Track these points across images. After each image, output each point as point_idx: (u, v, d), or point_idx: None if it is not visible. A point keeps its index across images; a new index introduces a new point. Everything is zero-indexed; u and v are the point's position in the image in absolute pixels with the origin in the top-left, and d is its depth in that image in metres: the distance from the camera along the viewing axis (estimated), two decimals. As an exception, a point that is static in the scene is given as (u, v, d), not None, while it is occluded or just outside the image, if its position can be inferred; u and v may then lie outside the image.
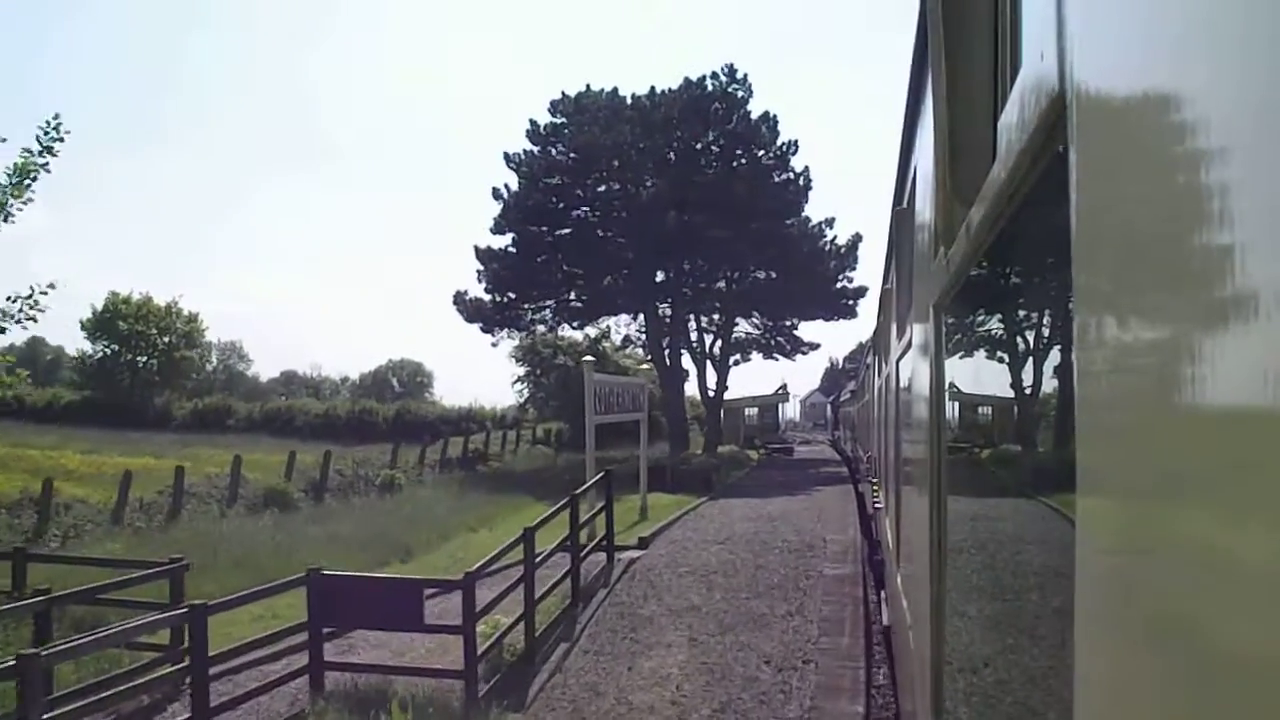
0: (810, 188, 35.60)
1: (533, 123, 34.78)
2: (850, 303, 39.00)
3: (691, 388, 43.63)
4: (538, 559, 11.94)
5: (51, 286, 13.80)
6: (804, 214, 36.33)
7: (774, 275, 36.36)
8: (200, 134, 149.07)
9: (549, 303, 37.21)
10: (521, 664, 10.75)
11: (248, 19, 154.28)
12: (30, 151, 13.28)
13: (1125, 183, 0.81)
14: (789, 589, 13.11)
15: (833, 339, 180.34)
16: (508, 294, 35.33)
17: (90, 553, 15.68)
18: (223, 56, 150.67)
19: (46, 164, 13.38)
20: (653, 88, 34.65)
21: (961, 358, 2.41)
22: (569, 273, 36.18)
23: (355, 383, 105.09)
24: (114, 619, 10.88)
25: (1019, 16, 1.67)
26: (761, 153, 35.37)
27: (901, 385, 5.04)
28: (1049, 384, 1.38)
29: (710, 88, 34.43)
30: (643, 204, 35.25)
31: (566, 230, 35.78)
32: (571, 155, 34.21)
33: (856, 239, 36.85)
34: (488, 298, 35.36)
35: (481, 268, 34.62)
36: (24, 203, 13.38)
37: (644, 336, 39.14)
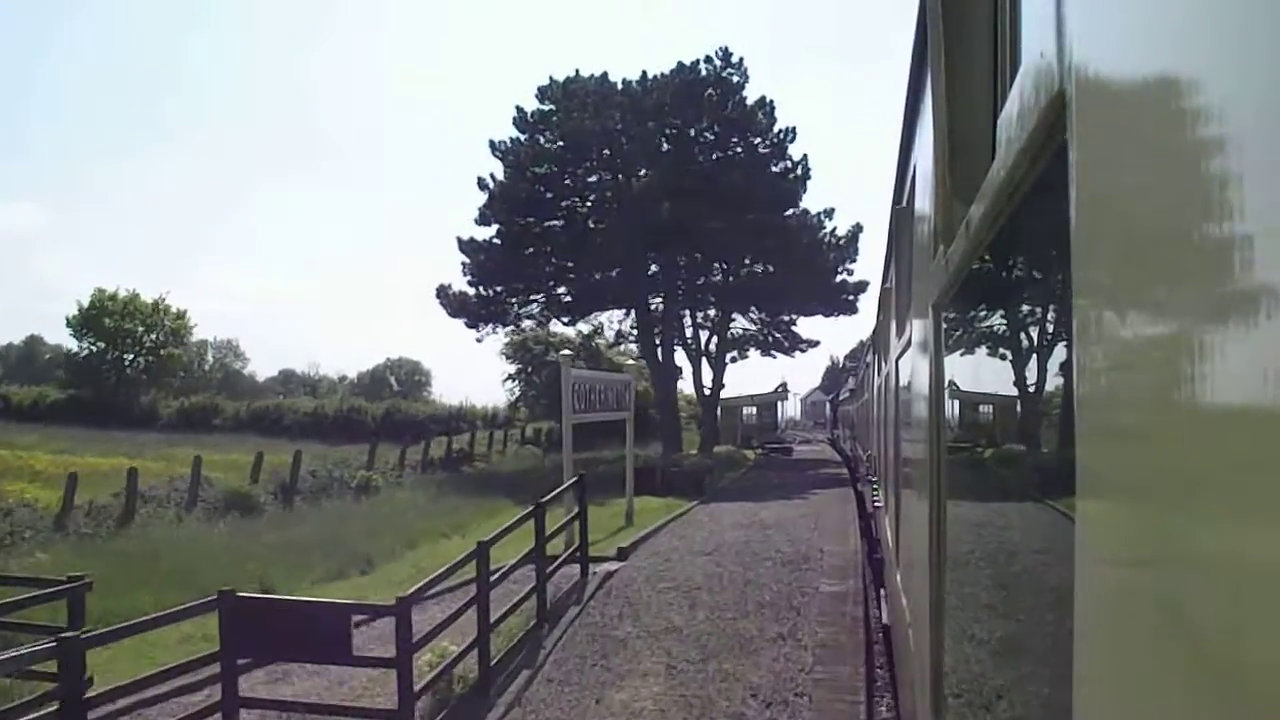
0: (809, 177, 34.17)
1: (519, 110, 33.35)
2: (850, 298, 37.58)
3: (688, 386, 42.34)
4: (497, 575, 10.62)
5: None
6: (802, 204, 34.95)
7: (771, 268, 34.91)
8: (199, 134, 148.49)
9: (537, 297, 35.72)
10: (474, 696, 9.42)
11: (245, 18, 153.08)
12: None
13: (1125, 180, 0.81)
14: (781, 608, 11.72)
15: (833, 336, 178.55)
16: (493, 287, 33.84)
17: (15, 564, 14.34)
18: (221, 56, 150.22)
19: None
20: (644, 73, 33.30)
21: (961, 356, 2.40)
22: (558, 266, 34.75)
23: (353, 382, 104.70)
24: (23, 641, 9.57)
25: (1018, 14, 1.67)
26: (758, 140, 33.89)
27: (901, 384, 5.00)
28: (1049, 382, 1.38)
29: (704, 72, 32.94)
30: (634, 194, 33.82)
31: (554, 221, 34.31)
32: (559, 143, 32.68)
33: (857, 230, 35.43)
34: (472, 291, 33.85)
35: (466, 260, 33.11)
36: None
37: (636, 332, 37.74)
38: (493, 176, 33.12)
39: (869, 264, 42.84)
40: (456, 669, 9.44)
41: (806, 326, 46.63)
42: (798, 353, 42.05)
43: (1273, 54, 0.51)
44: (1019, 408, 1.72)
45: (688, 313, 39.56)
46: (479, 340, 35.28)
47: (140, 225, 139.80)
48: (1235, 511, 0.58)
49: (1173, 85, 0.68)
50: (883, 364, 8.62)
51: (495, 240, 33.18)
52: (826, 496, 23.93)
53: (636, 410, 43.14)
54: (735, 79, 33.09)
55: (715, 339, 40.29)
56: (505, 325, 35.60)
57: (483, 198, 33.08)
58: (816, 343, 42.37)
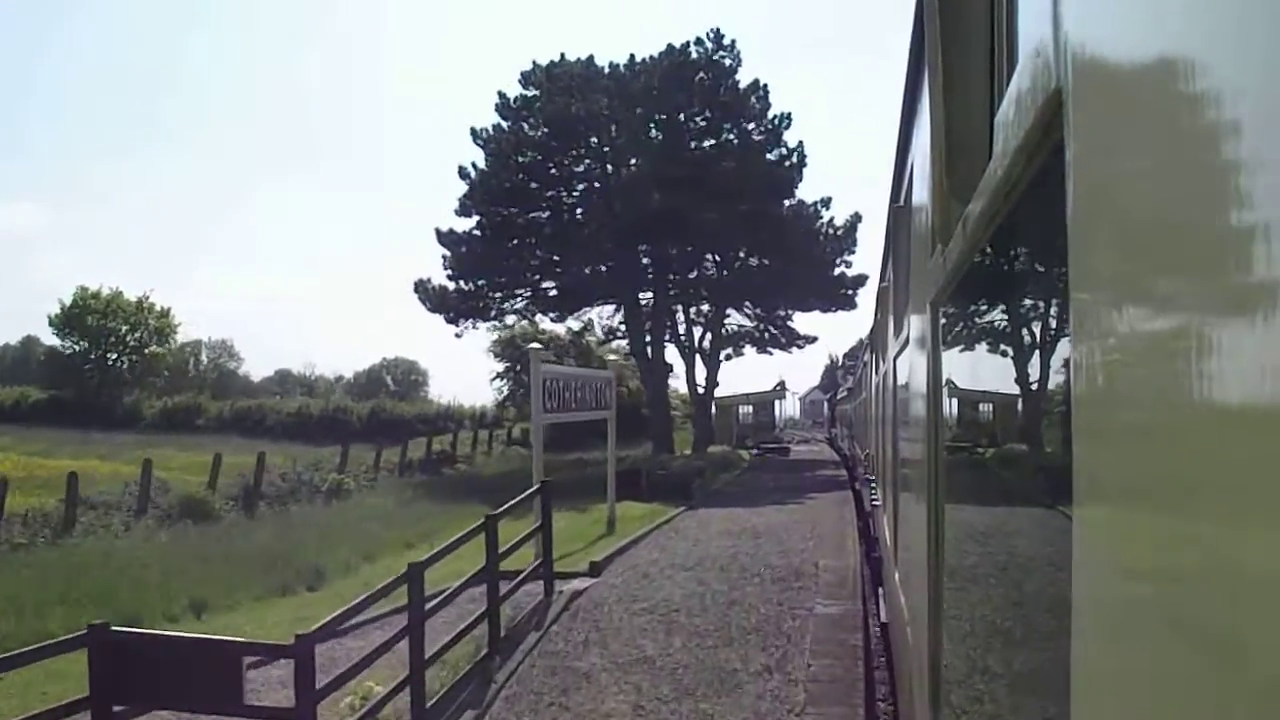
0: (805, 165, 32.57)
1: (502, 95, 31.78)
2: (849, 292, 36.05)
3: (684, 386, 40.85)
4: (438, 599, 9.16)
5: None
6: (798, 194, 33.35)
7: (766, 261, 33.38)
8: (197, 133, 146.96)
9: (521, 291, 34.14)
10: (404, 746, 7.96)
11: (243, 16, 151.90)
12: None
13: (1122, 177, 0.82)
14: (769, 634, 10.24)
15: (833, 334, 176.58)
16: (474, 281, 32.24)
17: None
18: (219, 56, 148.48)
19: None
20: (632, 56, 31.65)
21: (959, 354, 2.40)
22: (543, 259, 33.21)
23: (350, 381, 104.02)
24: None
25: (1015, 13, 1.68)
26: (751, 126, 32.31)
27: (899, 382, 4.95)
28: (1047, 380, 1.39)
29: (695, 55, 31.33)
30: (622, 183, 32.29)
31: (539, 212, 32.75)
32: (544, 130, 31.09)
33: (855, 220, 33.83)
34: (452, 286, 32.26)
35: (446, 253, 31.54)
36: None
37: (625, 328, 36.21)
38: (474, 165, 31.64)
39: (868, 257, 41.40)
40: (386, 711, 8.01)
41: (804, 323, 45.29)
42: (795, 349, 40.61)
43: (1270, 50, 0.51)
44: (1017, 406, 1.72)
45: (680, 308, 38.05)
46: (458, 336, 33.78)
47: (138, 225, 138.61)
48: (1236, 512, 0.57)
49: (1169, 83, 0.68)
50: (881, 362, 8.51)
51: (476, 232, 31.56)
52: (824, 501, 22.43)
53: (627, 409, 42.01)
54: (727, 62, 31.50)
55: (709, 335, 38.75)
56: (487, 321, 33.98)
57: (464, 188, 31.54)
58: (814, 339, 40.86)
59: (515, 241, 32.06)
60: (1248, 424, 0.54)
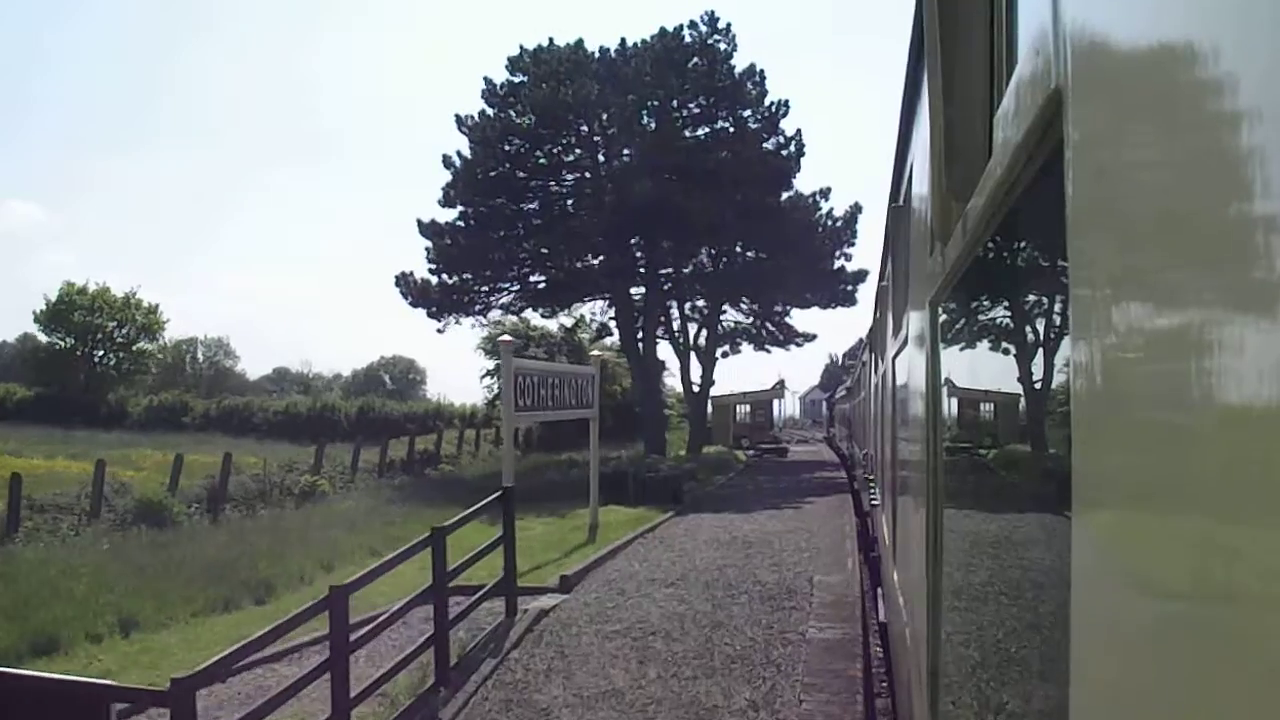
0: (803, 154, 31.29)
1: (488, 81, 30.39)
2: (849, 288, 34.74)
3: (681, 385, 39.52)
4: (373, 625, 7.95)
5: None
6: (796, 184, 31.99)
7: (762, 255, 32.07)
8: (195, 133, 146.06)
9: (507, 285, 32.78)
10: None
11: (240, 15, 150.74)
12: None
13: (1121, 177, 0.82)
14: (756, 663, 9.00)
15: (833, 332, 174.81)
16: (459, 274, 30.90)
17: None
18: (216, 54, 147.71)
19: None
20: (623, 40, 30.29)
21: (957, 354, 2.40)
22: (531, 251, 31.89)
23: (347, 380, 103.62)
24: None
25: (1014, 12, 1.69)
26: (747, 114, 30.99)
27: (898, 382, 4.81)
28: (1046, 380, 1.38)
29: (688, 39, 30.01)
30: (613, 172, 31.00)
31: (526, 203, 31.42)
32: (531, 117, 29.76)
33: (855, 210, 32.46)
34: (435, 279, 30.88)
35: (429, 245, 30.19)
36: None
37: (616, 323, 34.89)
38: (459, 154, 30.31)
39: (869, 250, 40.20)
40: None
41: (803, 320, 43.98)
42: (793, 347, 39.28)
43: (1270, 48, 0.51)
44: (1016, 406, 1.72)
45: (674, 304, 36.75)
46: (440, 331, 32.38)
47: (137, 223, 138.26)
48: (1238, 513, 0.57)
49: (1168, 81, 0.69)
50: (879, 362, 8.46)
51: (459, 223, 30.21)
52: (821, 506, 21.17)
53: (618, 408, 40.77)
54: (722, 46, 30.17)
55: (704, 332, 37.44)
56: (470, 316, 32.63)
57: (448, 178, 30.18)
58: (813, 336, 39.46)
59: (501, 233, 30.70)
60: (1248, 424, 0.54)
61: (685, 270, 34.16)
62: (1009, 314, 1.77)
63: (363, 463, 30.57)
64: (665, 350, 38.22)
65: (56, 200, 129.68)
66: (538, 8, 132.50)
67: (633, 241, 32.38)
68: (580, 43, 29.94)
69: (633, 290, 33.91)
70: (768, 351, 40.20)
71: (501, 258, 31.01)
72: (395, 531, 18.02)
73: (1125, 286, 0.80)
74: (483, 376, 47.14)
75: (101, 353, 65.30)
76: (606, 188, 30.51)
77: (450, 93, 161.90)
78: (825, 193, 32.18)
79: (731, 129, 31.03)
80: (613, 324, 35.16)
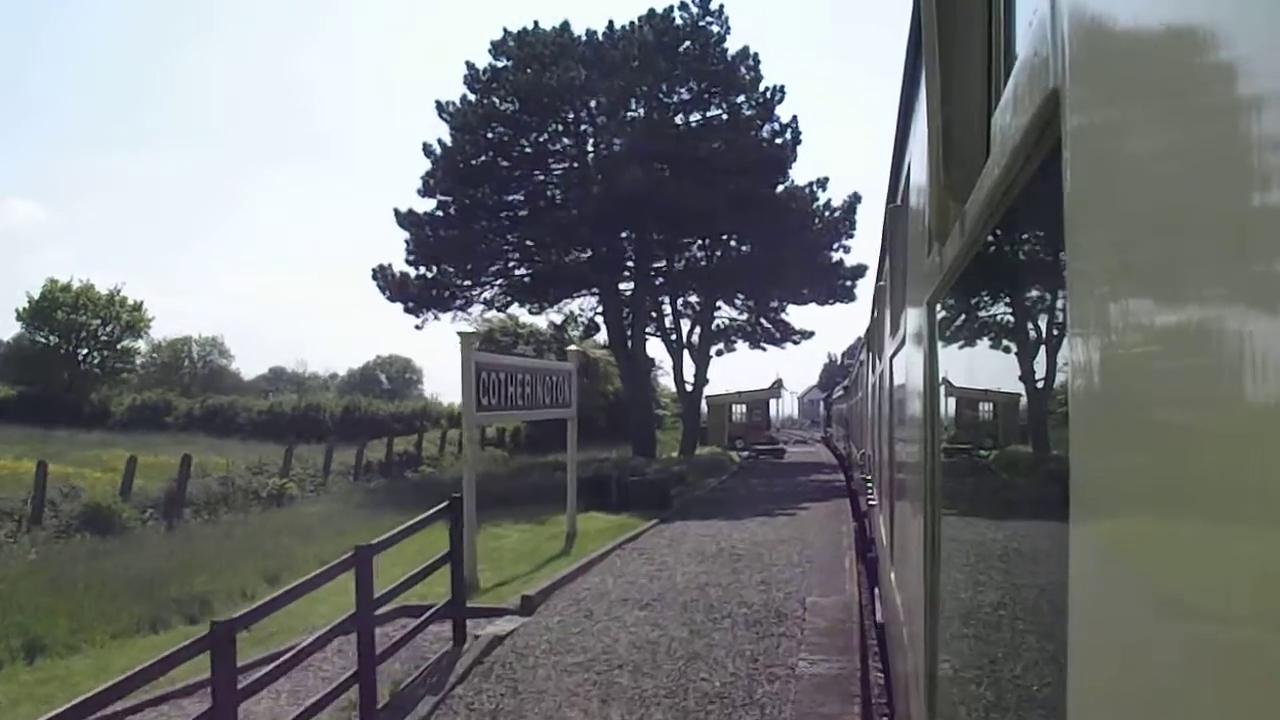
0: (799, 142, 29.90)
1: (470, 66, 29.01)
2: (848, 283, 33.38)
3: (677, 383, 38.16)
4: (279, 661, 6.68)
5: None
6: (792, 174, 30.54)
7: (757, 248, 30.70)
8: (192, 131, 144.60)
9: (490, 279, 31.37)
10: None
11: (239, 15, 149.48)
12: None
13: (1119, 178, 0.82)
14: (736, 703, 7.70)
15: (832, 331, 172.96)
16: (439, 266, 29.49)
17: None
18: (210, 51, 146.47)
19: None
20: (610, 22, 28.84)
21: (955, 354, 2.38)
22: (515, 243, 30.52)
23: (344, 379, 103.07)
24: None
25: (1013, 11, 1.69)
26: (741, 99, 29.61)
27: (895, 382, 4.84)
28: (1043, 380, 1.39)
29: (679, 21, 28.58)
30: (600, 161, 29.65)
31: (510, 193, 30.01)
32: (514, 103, 28.36)
33: (854, 201, 31.01)
34: (414, 272, 29.49)
35: (407, 236, 28.78)
36: None
37: (603, 318, 33.50)
38: (440, 142, 28.91)
39: (868, 243, 38.94)
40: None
41: (801, 317, 42.55)
42: (790, 344, 37.86)
43: (1268, 51, 0.51)
44: (1015, 405, 1.71)
45: (666, 299, 35.39)
46: (419, 328, 30.98)
47: (134, 222, 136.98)
48: (1235, 513, 0.56)
49: (1166, 82, 0.68)
50: (877, 362, 8.51)
51: (439, 213, 28.76)
52: (818, 512, 19.84)
53: (611, 408, 39.47)
54: (715, 29, 28.73)
55: (698, 329, 36.08)
56: (450, 311, 31.16)
57: (429, 166, 28.76)
58: (810, 334, 38.04)
59: (484, 224, 29.28)
60: (1249, 424, 0.53)
61: (677, 264, 32.81)
62: (1007, 313, 1.78)
63: (339, 465, 29.25)
64: (658, 348, 36.97)
65: (56, 199, 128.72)
66: None
67: (623, 235, 31.03)
68: (566, 25, 28.54)
69: (622, 286, 32.57)
70: (763, 349, 38.89)
71: (484, 250, 29.62)
72: (352, 540, 16.65)
73: (1124, 285, 0.79)
74: (471, 375, 45.78)
75: (85, 351, 64.26)
76: (594, 177, 29.14)
77: (448, 90, 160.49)
78: (823, 182, 30.83)
79: (724, 115, 29.66)
80: (600, 319, 33.75)
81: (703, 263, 33.31)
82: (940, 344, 2.54)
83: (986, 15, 1.90)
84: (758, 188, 28.28)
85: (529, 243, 30.46)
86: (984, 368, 1.99)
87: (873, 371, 9.80)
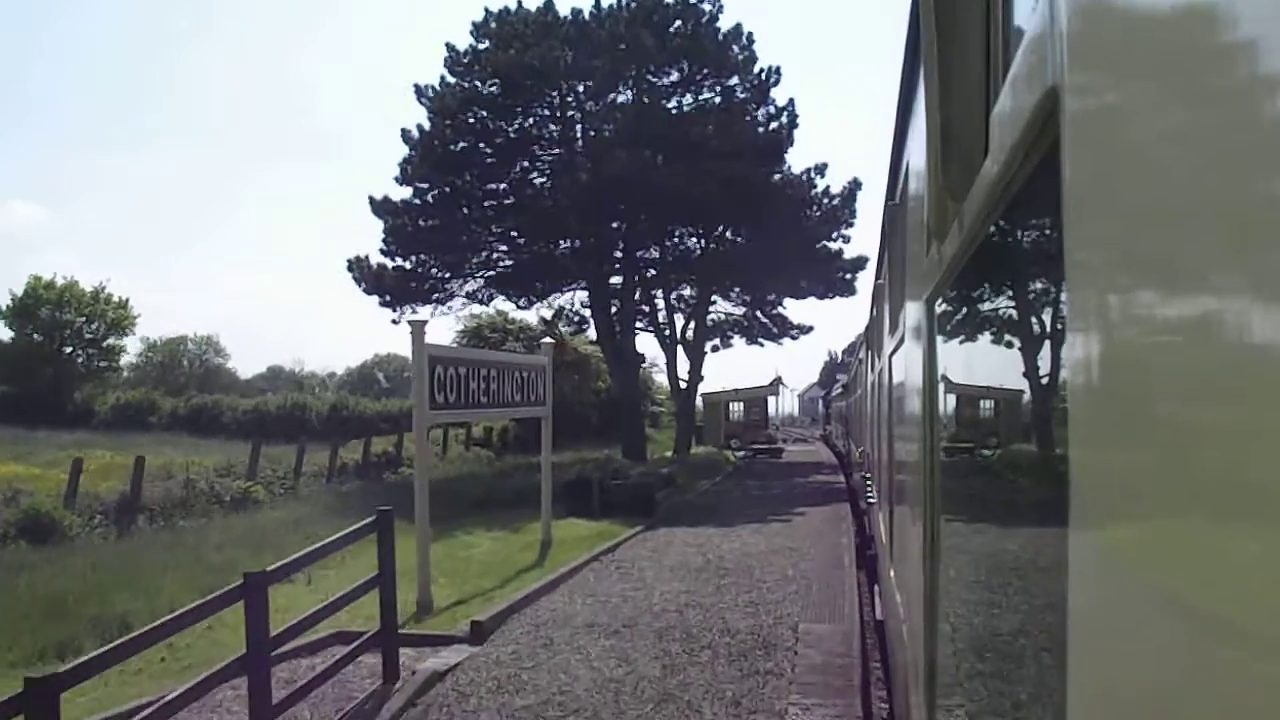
0: (796, 126, 28.43)
1: (450, 48, 27.60)
2: (847, 276, 31.97)
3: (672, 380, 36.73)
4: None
5: None
6: (788, 160, 29.08)
7: (752, 238, 29.29)
8: (191, 131, 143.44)
9: (472, 271, 29.90)
10: None
11: (239, 15, 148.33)
12: None
13: (1118, 176, 0.82)
14: (711, 764, 6.33)
15: (832, 327, 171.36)
16: (417, 256, 28.04)
17: None
18: (208, 49, 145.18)
19: None
20: (596, 1, 27.41)
21: (953, 352, 2.41)
22: (499, 233, 29.09)
23: (342, 378, 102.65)
24: None
25: (1011, 10, 1.69)
26: (735, 81, 28.18)
27: (895, 380, 4.88)
28: (1042, 378, 1.39)
29: (669, -1, 27.25)
30: (586, 147, 28.25)
31: (492, 181, 28.56)
32: (496, 86, 26.91)
33: (854, 187, 29.53)
34: (391, 264, 28.01)
35: (384, 226, 27.26)
36: None
37: (590, 311, 32.06)
38: (419, 127, 27.49)
39: (869, 232, 37.56)
40: None
41: (800, 311, 41.29)
42: (788, 340, 36.40)
43: (1267, 50, 0.51)
44: (1013, 404, 1.71)
45: (660, 292, 33.97)
46: (395, 323, 29.52)
47: (134, 223, 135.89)
48: (1234, 515, 0.56)
49: (1165, 80, 0.69)
50: (876, 360, 8.45)
51: (416, 200, 27.29)
52: (816, 517, 18.47)
53: (602, 406, 38.09)
54: (706, 6, 27.25)
55: (692, 324, 34.63)
56: (429, 304, 29.71)
57: (406, 153, 27.28)
58: (809, 329, 36.57)
59: (465, 212, 27.84)
60: (1249, 425, 0.53)
61: (668, 255, 31.38)
62: (1005, 310, 1.78)
63: (315, 466, 27.88)
64: (651, 344, 35.57)
65: (56, 200, 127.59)
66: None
67: (613, 225, 29.62)
68: (550, 4, 27.01)
69: (613, 279, 31.18)
70: (760, 345, 37.44)
71: (466, 241, 28.19)
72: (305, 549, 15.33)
73: (1124, 282, 0.79)
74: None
75: (70, 349, 63.26)
76: (580, 163, 27.72)
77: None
78: (821, 169, 29.35)
79: (717, 98, 28.24)
80: (588, 313, 32.30)
81: (696, 253, 31.89)
82: (939, 341, 2.55)
83: (985, 13, 1.88)
84: (752, 174, 26.82)
85: (513, 233, 29.03)
86: (982, 365, 1.99)
87: (872, 369, 9.69)
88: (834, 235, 30.26)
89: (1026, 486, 1.51)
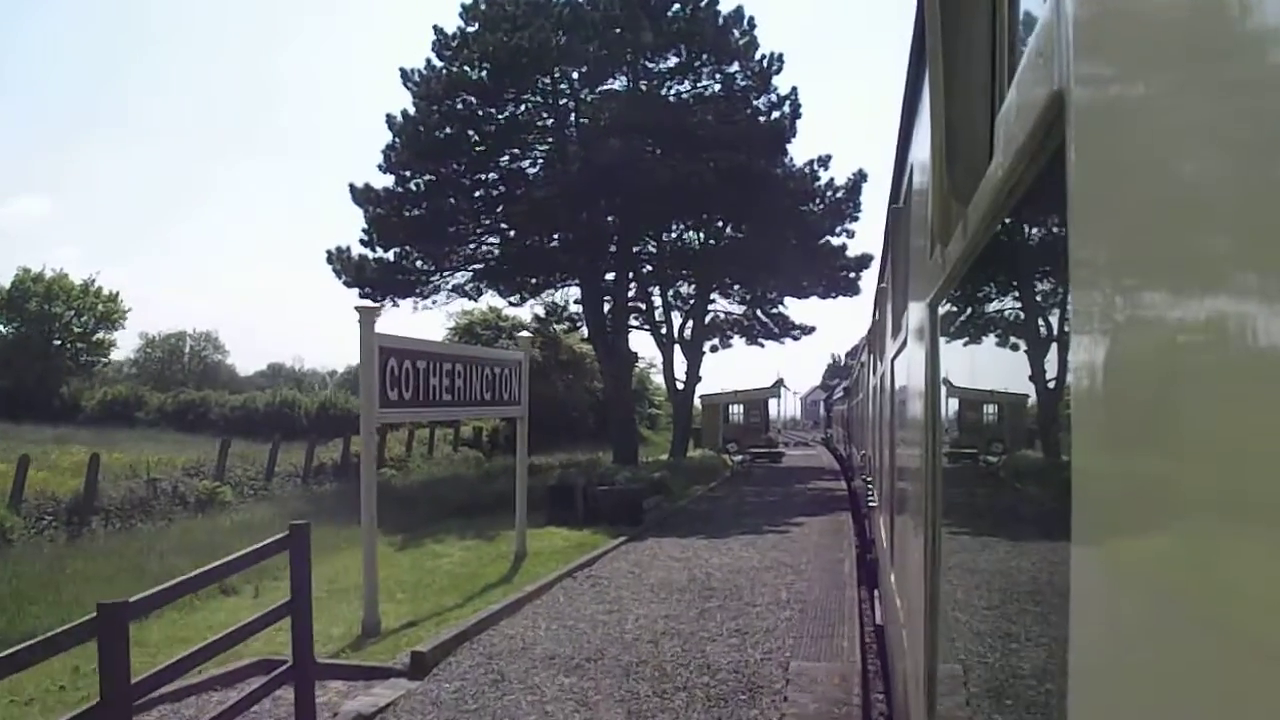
0: (799, 116, 27.16)
1: (438, 31, 26.36)
2: (851, 274, 30.69)
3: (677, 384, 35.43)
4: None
5: None
6: (791, 151, 27.77)
7: (752, 232, 28.03)
8: (190, 129, 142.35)
9: (459, 263, 28.64)
10: None
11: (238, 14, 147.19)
12: None
13: (1123, 180, 0.82)
14: None
15: (834, 328, 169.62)
16: (401, 247, 26.79)
17: None
18: (207, 48, 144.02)
19: None
20: (590, -20, 26.14)
21: (957, 356, 2.41)
22: (488, 225, 27.85)
23: (341, 375, 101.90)
24: None
25: (1017, 13, 1.69)
26: (735, 68, 26.93)
27: (897, 383, 4.94)
28: (1046, 383, 1.39)
29: (666, -21, 25.96)
30: (580, 135, 27.04)
31: (480, 170, 27.32)
32: (486, 70, 25.68)
33: (858, 179, 28.17)
34: (373, 255, 26.77)
35: (365, 215, 25.99)
36: None
37: (581, 307, 30.79)
38: (404, 113, 26.24)
39: (874, 227, 36.34)
40: None
41: (802, 311, 39.97)
42: (790, 340, 35.07)
43: (1275, 53, 0.51)
44: (1017, 408, 1.71)
45: (657, 289, 32.70)
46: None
47: (131, 219, 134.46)
48: (1246, 524, 0.55)
49: (1171, 83, 0.69)
50: (878, 363, 8.36)
51: (399, 189, 26.03)
52: (814, 529, 17.19)
53: (598, 407, 36.81)
54: (705, -12, 26.12)
55: (690, 322, 33.37)
56: (412, 297, 28.44)
57: (390, 139, 26.04)
58: (811, 329, 35.22)
59: (452, 202, 26.61)
60: (1262, 431, 0.52)
61: (665, 250, 30.12)
62: (1009, 314, 1.78)
63: (290, 466, 26.72)
64: (648, 343, 34.29)
65: (50, 195, 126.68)
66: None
67: (608, 218, 28.41)
68: (542, -16, 25.81)
69: (608, 275, 29.93)
70: (761, 345, 36.13)
71: (452, 232, 26.94)
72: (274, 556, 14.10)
73: (1129, 287, 0.79)
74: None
75: (59, 342, 62.38)
76: (573, 152, 26.48)
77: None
78: (824, 160, 28.03)
79: (717, 86, 26.98)
80: (580, 309, 31.02)
81: (694, 248, 30.62)
82: (942, 344, 2.53)
83: (990, 16, 1.89)
84: (753, 165, 25.55)
85: (502, 224, 27.77)
86: (985, 370, 1.99)
87: (874, 373, 9.61)
88: (837, 230, 28.95)
89: (1030, 492, 1.51)
